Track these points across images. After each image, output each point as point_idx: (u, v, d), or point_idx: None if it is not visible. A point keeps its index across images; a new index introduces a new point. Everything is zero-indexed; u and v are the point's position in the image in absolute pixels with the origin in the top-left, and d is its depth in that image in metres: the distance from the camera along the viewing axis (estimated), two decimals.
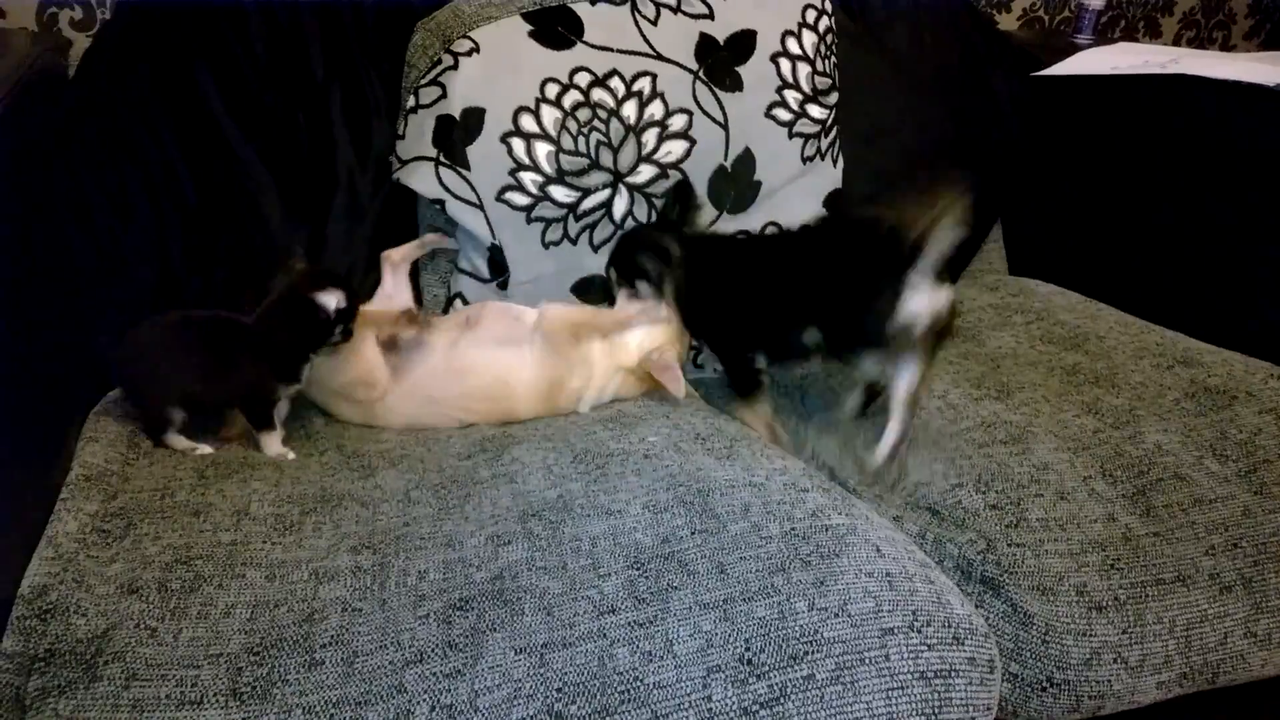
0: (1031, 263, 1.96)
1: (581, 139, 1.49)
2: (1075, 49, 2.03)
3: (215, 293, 1.46)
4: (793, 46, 1.62)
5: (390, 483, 1.20)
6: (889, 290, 1.20)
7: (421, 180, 1.46)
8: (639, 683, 0.90)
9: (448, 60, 1.47)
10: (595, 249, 1.53)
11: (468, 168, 1.46)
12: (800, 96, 1.62)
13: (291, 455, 1.30)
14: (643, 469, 1.17)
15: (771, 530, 1.05)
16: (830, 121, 1.66)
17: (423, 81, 1.49)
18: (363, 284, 1.48)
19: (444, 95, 1.47)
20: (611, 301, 1.49)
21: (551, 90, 1.48)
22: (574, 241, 1.52)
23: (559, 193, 1.49)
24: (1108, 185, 1.88)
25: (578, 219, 1.51)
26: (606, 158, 1.51)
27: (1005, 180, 1.98)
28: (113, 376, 1.36)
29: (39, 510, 1.12)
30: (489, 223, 1.47)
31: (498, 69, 1.48)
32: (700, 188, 1.56)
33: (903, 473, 1.27)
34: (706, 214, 1.54)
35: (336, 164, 1.52)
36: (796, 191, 1.64)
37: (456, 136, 1.45)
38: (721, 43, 1.58)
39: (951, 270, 1.90)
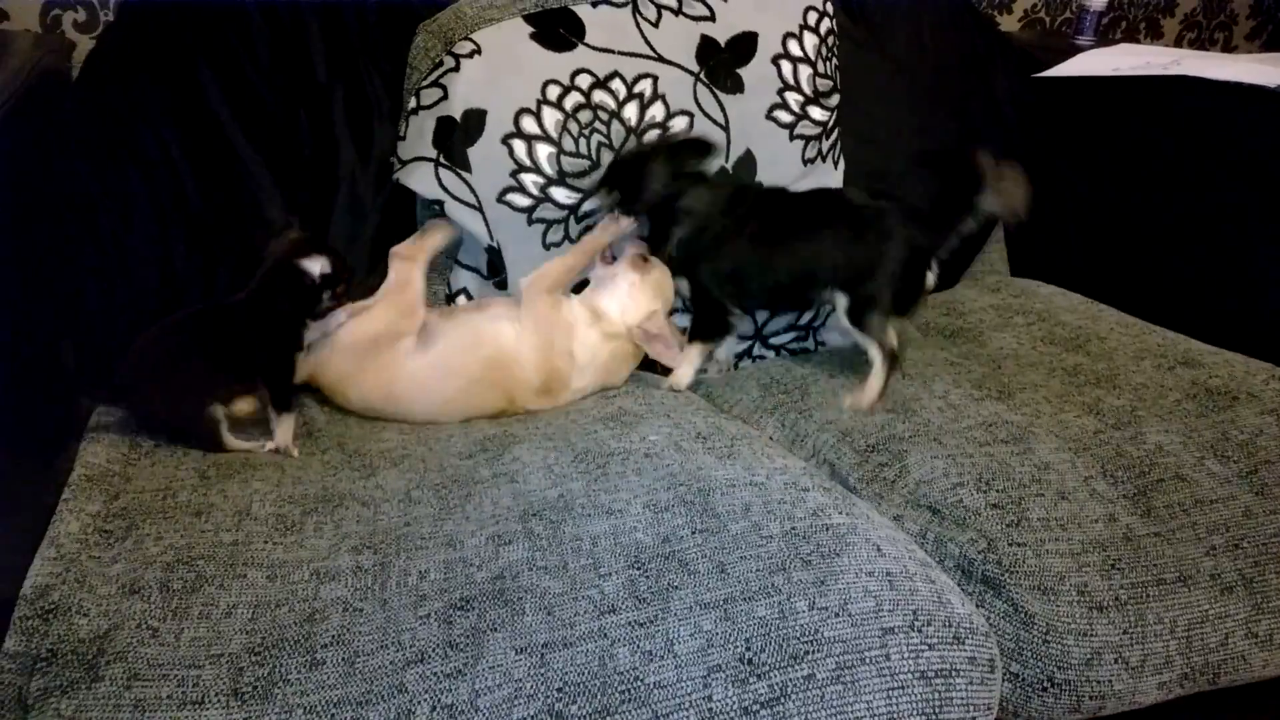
0: (1033, 264, 1.96)
1: (583, 141, 1.50)
2: (1076, 50, 2.03)
3: (217, 293, 1.46)
4: (794, 48, 1.62)
5: (391, 482, 1.20)
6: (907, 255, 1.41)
7: (421, 181, 1.47)
8: (639, 682, 0.91)
9: (449, 62, 1.48)
10: None
11: (468, 169, 1.46)
12: (801, 98, 1.62)
13: (295, 453, 1.30)
14: (643, 468, 1.17)
15: (772, 529, 1.05)
16: (831, 123, 1.67)
17: (424, 83, 1.50)
18: (364, 284, 1.49)
19: (445, 97, 1.47)
20: None
21: (553, 92, 1.49)
22: (574, 243, 1.52)
23: (560, 194, 1.49)
24: (1109, 186, 1.88)
25: (579, 220, 1.51)
26: (607, 159, 1.51)
27: None
28: (138, 417, 1.33)
29: (41, 511, 1.12)
30: (487, 224, 1.48)
31: (499, 71, 1.48)
32: None
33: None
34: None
35: (338, 165, 1.53)
36: None
37: (457, 138, 1.46)
38: (723, 45, 1.58)
39: (953, 271, 1.93)
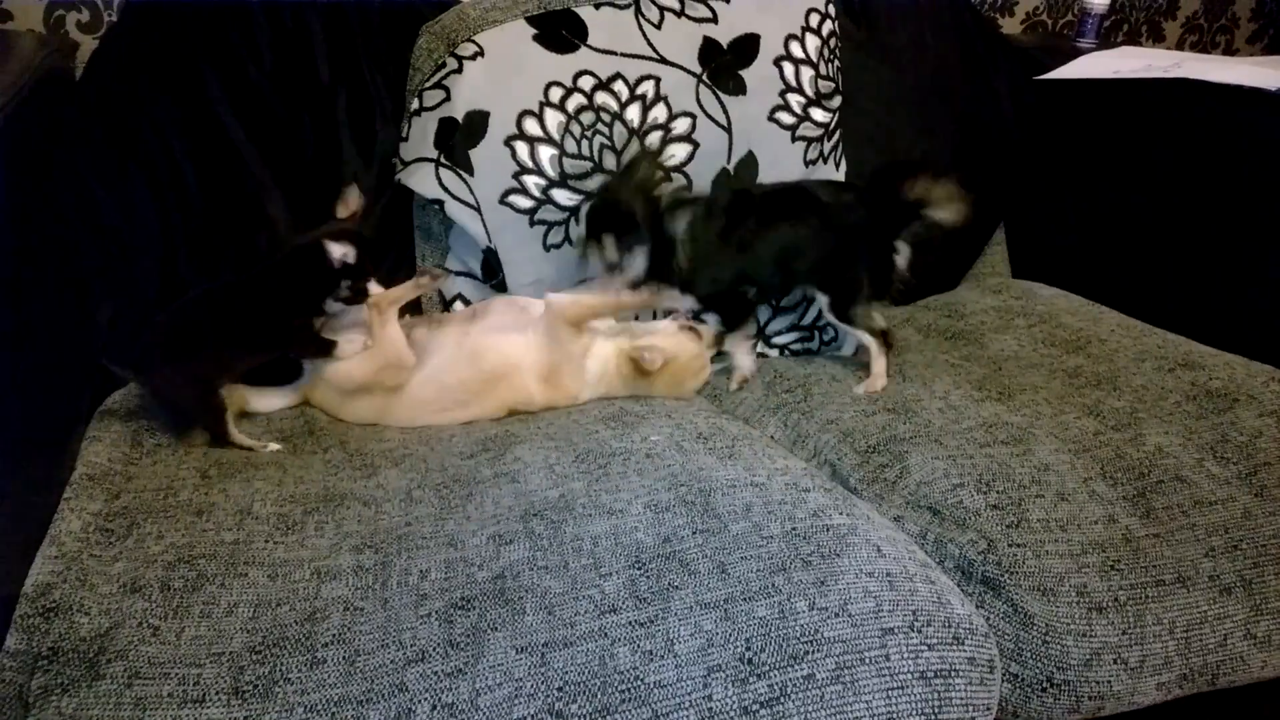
0: (1034, 266, 1.96)
1: (585, 142, 1.50)
2: (1078, 53, 2.03)
3: None
4: (796, 50, 1.62)
5: (392, 482, 1.20)
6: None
7: (422, 181, 1.47)
8: (640, 682, 0.91)
9: (452, 64, 1.48)
10: None
11: (470, 170, 1.46)
12: (803, 100, 1.62)
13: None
14: (644, 468, 1.17)
15: (773, 530, 1.05)
16: (833, 125, 1.67)
17: (427, 84, 1.50)
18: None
19: (448, 98, 1.47)
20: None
21: (555, 94, 1.49)
22: (575, 245, 1.52)
23: (562, 196, 1.50)
24: (1110, 189, 1.88)
25: (580, 223, 1.51)
26: (610, 161, 1.51)
27: (1008, 183, 1.98)
28: (148, 384, 1.35)
29: (43, 509, 1.12)
30: (485, 226, 1.48)
31: (502, 72, 1.48)
32: (703, 191, 1.56)
33: None
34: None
35: (341, 166, 1.53)
36: None
37: (459, 139, 1.46)
38: (725, 46, 1.58)
39: (954, 273, 1.93)
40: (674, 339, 1.46)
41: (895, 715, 0.93)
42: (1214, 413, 1.35)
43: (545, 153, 1.48)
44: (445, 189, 1.46)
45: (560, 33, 1.52)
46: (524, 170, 1.48)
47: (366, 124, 1.55)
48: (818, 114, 1.63)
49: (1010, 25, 2.45)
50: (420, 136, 1.48)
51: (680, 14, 1.58)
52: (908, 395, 1.42)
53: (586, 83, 1.50)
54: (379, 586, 1.01)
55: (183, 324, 1.33)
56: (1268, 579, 1.14)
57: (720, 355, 1.55)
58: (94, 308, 1.44)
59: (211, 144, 1.48)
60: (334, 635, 0.95)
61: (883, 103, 1.82)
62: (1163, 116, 1.81)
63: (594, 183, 1.50)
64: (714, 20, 1.59)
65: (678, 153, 1.55)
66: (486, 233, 1.48)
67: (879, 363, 1.47)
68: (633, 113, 1.52)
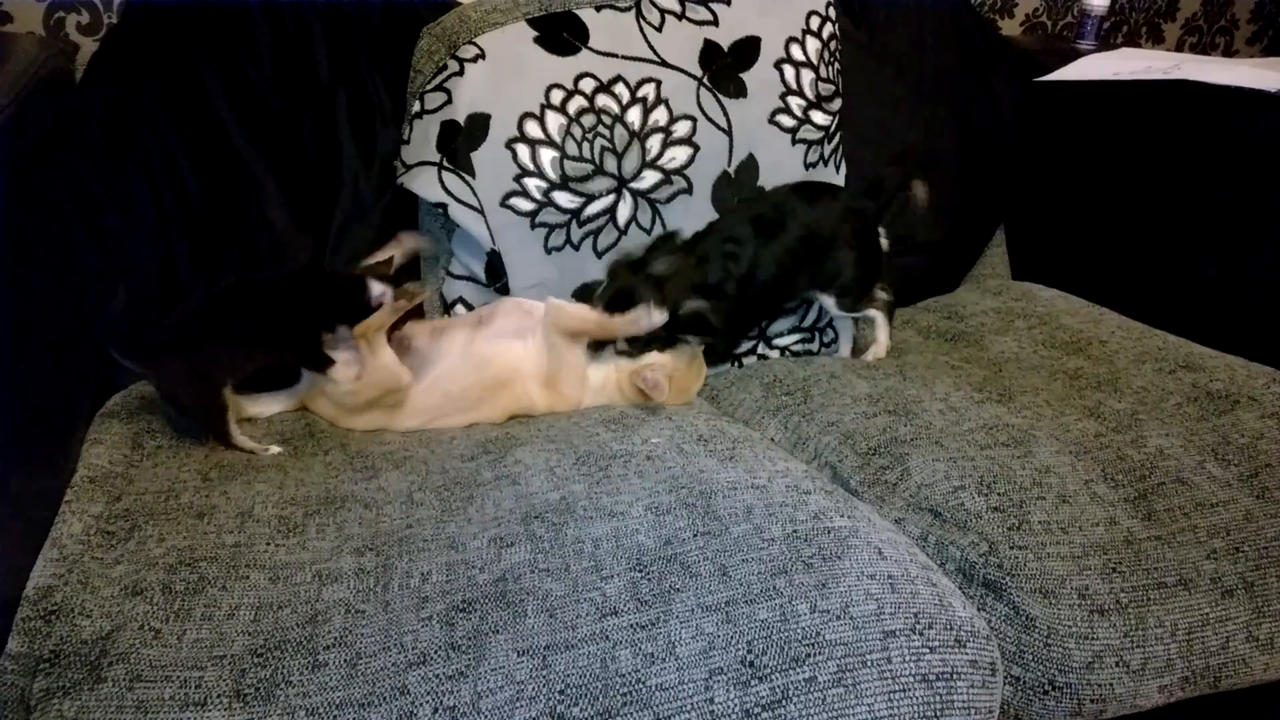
0: (1034, 267, 1.96)
1: (586, 145, 1.50)
2: (1078, 54, 2.03)
3: None
4: (796, 53, 1.62)
5: (393, 484, 1.20)
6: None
7: (424, 185, 1.47)
8: (641, 685, 0.91)
9: (454, 66, 1.48)
10: (598, 255, 1.54)
11: (472, 173, 1.46)
12: (804, 103, 1.62)
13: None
14: (645, 471, 1.17)
15: (774, 532, 1.05)
16: (833, 128, 1.67)
17: (428, 87, 1.50)
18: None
19: (449, 101, 1.47)
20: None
21: (556, 96, 1.49)
22: (576, 248, 1.52)
23: (563, 199, 1.50)
24: (1110, 190, 1.89)
25: (581, 225, 1.51)
26: (611, 164, 1.51)
27: (1008, 185, 1.98)
28: (154, 377, 1.35)
29: (44, 511, 1.12)
30: (489, 228, 1.48)
31: (503, 75, 1.48)
32: (703, 194, 1.57)
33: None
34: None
35: (341, 167, 1.53)
36: None
37: (460, 141, 1.46)
38: (726, 49, 1.58)
39: (954, 274, 1.93)
40: (668, 354, 1.45)
41: (897, 718, 0.93)
42: (1215, 414, 1.36)
43: (546, 155, 1.48)
44: (448, 192, 1.46)
45: (561, 35, 1.52)
46: (525, 173, 1.48)
47: (367, 125, 1.55)
48: (818, 117, 1.63)
49: (1010, 27, 2.45)
50: (422, 139, 1.48)
51: (681, 17, 1.58)
52: (908, 397, 1.42)
53: (588, 85, 1.51)
54: (380, 589, 1.01)
55: (195, 320, 1.33)
56: (1269, 581, 1.14)
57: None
58: (107, 296, 1.44)
59: (211, 145, 1.48)
60: (335, 638, 0.95)
61: (883, 105, 1.82)
62: (1162, 118, 1.81)
63: (595, 185, 1.50)
64: (714, 23, 1.59)
65: (678, 156, 1.54)
66: (490, 235, 1.48)
67: (883, 331, 1.60)
68: (633, 115, 1.52)
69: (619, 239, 1.54)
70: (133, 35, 1.49)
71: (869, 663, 0.95)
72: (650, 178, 1.53)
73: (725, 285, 1.49)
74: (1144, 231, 1.81)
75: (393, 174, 1.52)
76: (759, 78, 1.59)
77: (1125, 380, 1.45)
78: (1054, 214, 1.98)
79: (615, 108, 1.51)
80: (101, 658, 0.92)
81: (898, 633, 0.97)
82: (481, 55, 1.48)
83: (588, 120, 1.50)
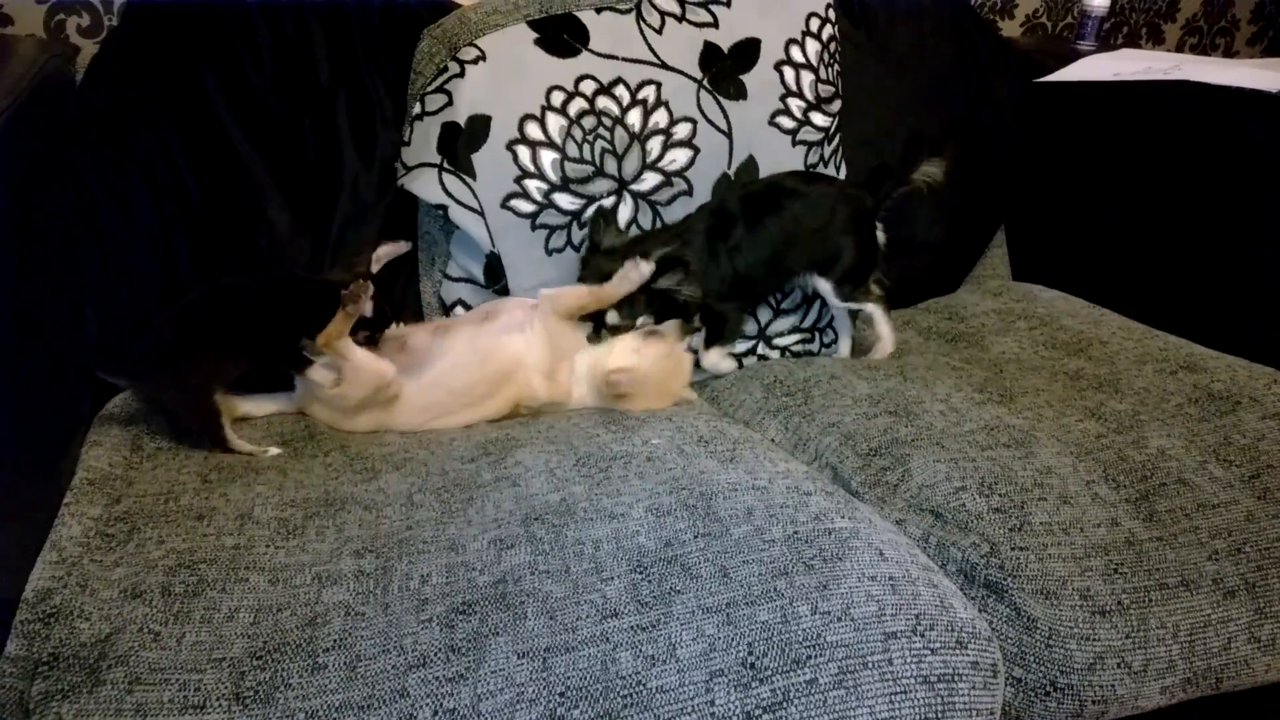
0: (1035, 268, 1.96)
1: (586, 146, 1.50)
2: (1078, 55, 2.03)
3: None
4: (796, 55, 1.62)
5: (393, 486, 1.20)
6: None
7: (425, 186, 1.47)
8: (642, 687, 0.90)
9: (454, 68, 1.48)
10: None
11: (473, 175, 1.46)
12: (804, 104, 1.62)
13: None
14: (645, 472, 1.17)
15: (774, 534, 1.05)
16: (833, 129, 1.67)
17: (429, 89, 1.50)
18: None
19: (450, 103, 1.47)
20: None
21: (557, 98, 1.49)
22: (577, 249, 1.52)
23: (563, 200, 1.50)
24: (1111, 191, 1.89)
25: (582, 227, 1.51)
26: (611, 165, 1.51)
27: (1008, 186, 1.98)
28: (141, 391, 1.36)
29: (43, 514, 1.12)
30: (489, 230, 1.48)
31: (504, 77, 1.48)
32: (704, 196, 1.57)
33: None
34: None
35: (341, 169, 1.53)
36: None
37: (461, 143, 1.46)
38: (726, 51, 1.58)
39: (955, 275, 1.93)
40: (639, 352, 1.43)
41: None
42: (1216, 415, 1.35)
43: (547, 157, 1.48)
44: (449, 194, 1.46)
45: (562, 36, 1.52)
46: (526, 174, 1.47)
47: (367, 127, 1.55)
48: (818, 118, 1.63)
49: (1010, 28, 2.45)
50: (422, 141, 1.48)
51: (681, 19, 1.58)
52: (909, 398, 1.42)
53: (588, 87, 1.50)
54: (380, 591, 1.01)
55: (174, 329, 1.33)
56: (1271, 582, 1.14)
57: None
58: (82, 317, 1.43)
59: (211, 147, 1.48)
60: (335, 640, 0.94)
61: (883, 106, 1.82)
62: (1163, 119, 1.80)
63: (595, 187, 1.50)
64: (714, 25, 1.59)
65: (678, 158, 1.54)
66: (490, 237, 1.48)
67: (884, 327, 1.58)
68: (634, 117, 1.52)
69: None
70: (133, 37, 1.49)
71: (870, 664, 0.94)
72: (651, 180, 1.53)
73: (707, 247, 1.49)
74: (1145, 232, 1.81)
75: (393, 175, 1.52)
76: (759, 79, 1.59)
77: (1126, 381, 1.45)
78: (1054, 215, 1.98)
79: (616, 110, 1.51)
80: (100, 660, 0.92)
81: (899, 634, 0.97)
82: (482, 57, 1.48)
83: (588, 122, 1.50)
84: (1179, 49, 2.69)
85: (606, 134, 1.51)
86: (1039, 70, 1.97)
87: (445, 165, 1.46)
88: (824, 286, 1.56)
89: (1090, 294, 1.80)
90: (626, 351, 1.43)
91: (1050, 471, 1.23)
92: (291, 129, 1.51)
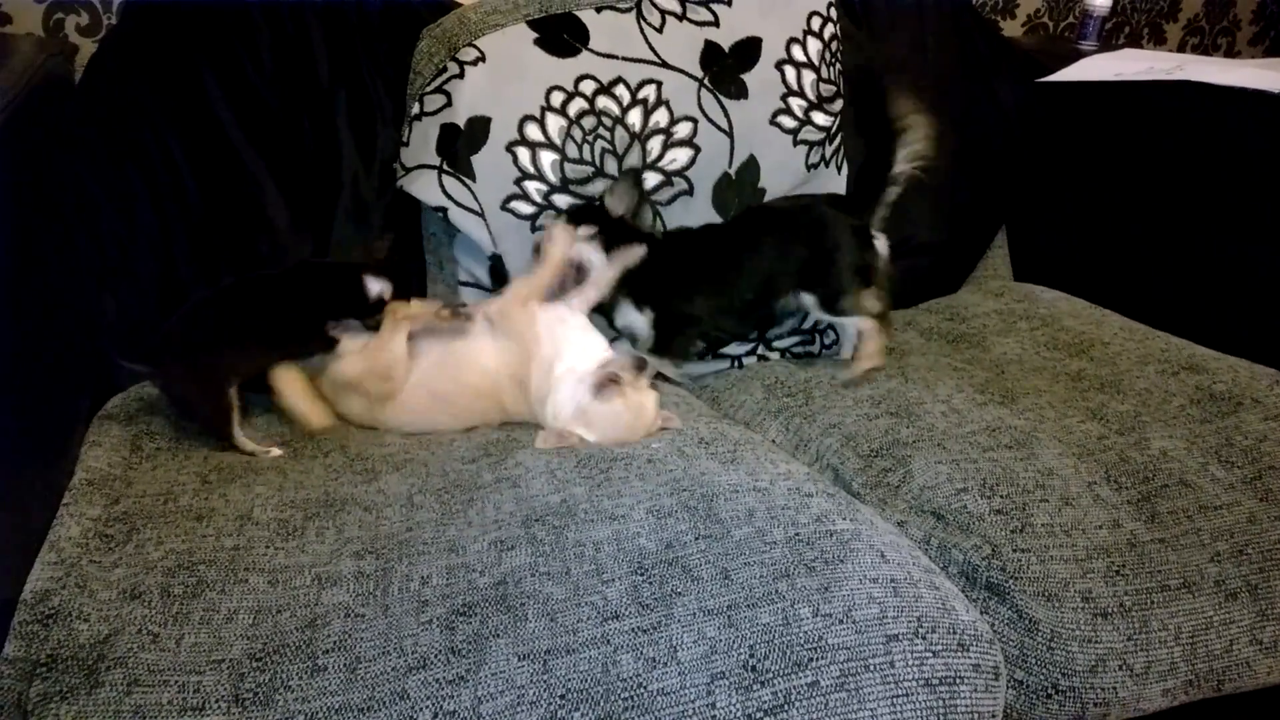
0: (1036, 269, 1.96)
1: (586, 147, 1.49)
2: (1080, 55, 2.03)
3: None
4: (798, 54, 1.62)
5: (393, 487, 1.20)
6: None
7: (425, 188, 1.46)
8: (643, 689, 0.90)
9: (453, 68, 1.47)
10: None
11: (472, 177, 1.46)
12: (805, 104, 1.62)
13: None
14: (646, 473, 1.17)
15: (776, 536, 1.04)
16: (835, 128, 1.66)
17: (428, 89, 1.49)
18: None
19: (449, 104, 1.47)
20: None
21: (557, 98, 1.48)
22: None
23: (563, 201, 1.49)
24: (1112, 192, 1.88)
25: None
26: (611, 166, 1.51)
27: (1010, 186, 1.97)
28: (160, 379, 1.36)
29: (42, 514, 1.12)
30: (490, 232, 1.47)
31: (503, 77, 1.48)
32: (704, 195, 1.56)
33: None
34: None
35: (341, 168, 1.53)
36: None
37: (461, 145, 1.45)
38: (727, 50, 1.58)
39: (956, 276, 1.93)
40: (594, 414, 1.29)
41: None
42: (1218, 416, 1.35)
43: (547, 158, 1.48)
44: (449, 196, 1.45)
45: (562, 36, 1.51)
46: (525, 176, 1.47)
47: (366, 126, 1.55)
48: (819, 117, 1.63)
49: (1011, 28, 2.45)
50: (422, 142, 1.48)
51: (681, 18, 1.57)
52: (910, 399, 1.42)
53: (588, 87, 1.50)
54: (380, 593, 1.00)
55: (198, 321, 1.34)
56: (1273, 584, 1.14)
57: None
58: (99, 304, 1.44)
59: (211, 146, 1.48)
60: (335, 642, 0.94)
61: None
62: (1164, 119, 1.80)
63: (596, 187, 1.50)
64: (715, 24, 1.58)
65: (679, 157, 1.54)
66: (492, 239, 1.47)
67: (872, 341, 1.50)
68: (634, 117, 1.52)
69: None
70: (132, 36, 1.49)
71: (872, 667, 0.94)
72: (651, 179, 1.53)
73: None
74: (1146, 233, 1.81)
75: (393, 175, 1.52)
76: (760, 79, 1.59)
77: (1128, 382, 1.44)
78: (1056, 215, 1.98)
79: (616, 109, 1.51)
80: (99, 662, 0.92)
81: (900, 637, 0.96)
82: (481, 58, 1.48)
83: (588, 122, 1.49)
84: (1181, 49, 2.69)
85: (607, 134, 1.50)
86: (1040, 70, 1.97)
87: (445, 167, 1.46)
88: (807, 301, 1.52)
89: (1092, 294, 1.79)
90: (578, 418, 1.30)
91: (1052, 473, 1.22)
92: (291, 128, 1.51)
